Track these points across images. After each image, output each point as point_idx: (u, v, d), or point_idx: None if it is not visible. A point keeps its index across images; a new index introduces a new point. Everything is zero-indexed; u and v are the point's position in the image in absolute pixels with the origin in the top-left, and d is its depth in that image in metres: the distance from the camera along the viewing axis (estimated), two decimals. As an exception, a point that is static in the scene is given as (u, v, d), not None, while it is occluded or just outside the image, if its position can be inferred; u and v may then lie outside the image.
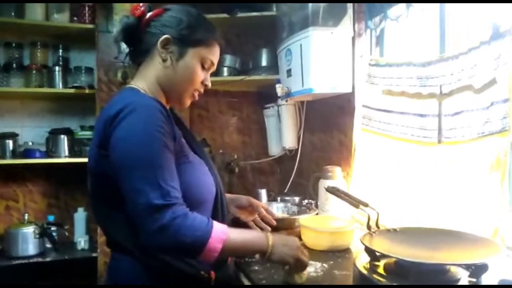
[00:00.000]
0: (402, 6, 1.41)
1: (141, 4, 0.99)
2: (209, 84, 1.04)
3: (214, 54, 1.02)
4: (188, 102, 1.04)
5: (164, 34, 0.96)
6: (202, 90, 1.04)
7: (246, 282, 1.13)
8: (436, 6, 1.32)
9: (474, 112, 1.18)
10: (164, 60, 0.97)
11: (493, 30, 1.10)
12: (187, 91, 1.01)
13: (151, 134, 0.85)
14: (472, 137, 1.19)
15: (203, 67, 1.00)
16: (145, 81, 0.99)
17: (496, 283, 0.85)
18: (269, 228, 1.24)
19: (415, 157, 1.39)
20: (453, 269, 0.90)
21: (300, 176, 2.19)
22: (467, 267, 0.90)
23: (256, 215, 1.27)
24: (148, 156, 0.84)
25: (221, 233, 0.85)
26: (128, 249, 0.92)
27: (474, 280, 0.85)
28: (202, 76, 1.01)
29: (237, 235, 0.90)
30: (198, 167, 1.00)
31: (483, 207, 1.14)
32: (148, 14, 0.99)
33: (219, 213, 1.03)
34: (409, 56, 1.42)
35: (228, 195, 1.20)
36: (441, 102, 1.29)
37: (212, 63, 1.02)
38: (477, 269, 0.86)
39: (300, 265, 0.97)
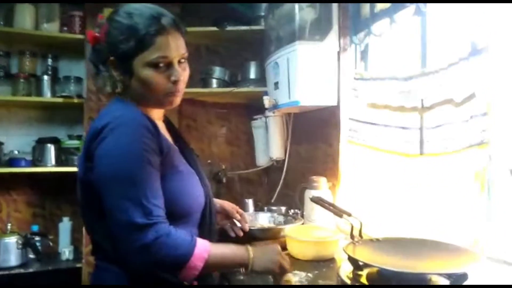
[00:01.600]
0: (385, 22, 1.46)
1: (93, 30, 0.98)
2: (178, 77, 0.95)
3: (161, 50, 0.91)
4: (170, 102, 0.98)
5: (110, 56, 0.94)
6: (177, 87, 0.95)
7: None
8: (417, 22, 1.37)
9: (455, 125, 1.22)
10: (122, 81, 0.95)
11: (472, 47, 1.14)
12: (158, 97, 0.96)
13: (134, 151, 0.85)
14: (452, 149, 1.23)
15: (159, 68, 0.92)
16: (129, 91, 0.97)
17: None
18: (241, 233, 1.28)
19: (399, 168, 1.43)
20: (434, 278, 0.93)
21: (287, 186, 2.20)
22: (448, 276, 0.92)
23: (232, 219, 1.30)
24: (131, 173, 0.84)
25: (203, 251, 0.86)
26: (113, 258, 0.91)
27: (453, 289, 0.88)
28: (163, 77, 0.93)
29: (219, 251, 0.91)
30: (188, 178, 1.00)
31: (463, 218, 1.18)
32: (98, 35, 0.96)
33: (206, 223, 1.03)
34: (392, 70, 1.47)
35: None
36: (423, 115, 1.33)
37: (166, 57, 0.92)
38: (457, 278, 0.88)
39: (283, 270, 0.99)
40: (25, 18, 2.15)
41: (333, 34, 1.69)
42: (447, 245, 1.01)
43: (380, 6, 1.51)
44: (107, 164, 0.85)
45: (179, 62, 0.96)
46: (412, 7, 1.34)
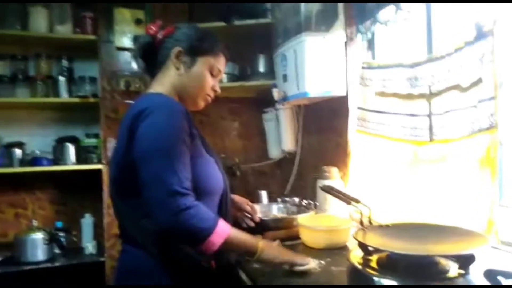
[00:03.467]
0: (391, 10, 1.46)
1: (153, 24, 1.15)
2: (219, 90, 1.18)
3: (220, 63, 1.15)
4: (201, 104, 1.17)
5: (176, 47, 1.10)
6: (212, 95, 1.17)
7: (245, 278, 1.17)
8: (422, 8, 1.37)
9: (463, 110, 1.22)
10: (178, 69, 1.10)
11: (477, 31, 1.14)
12: (199, 95, 1.13)
13: (172, 130, 0.97)
14: (462, 134, 1.23)
15: (211, 74, 1.14)
16: (162, 88, 1.10)
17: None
18: (252, 224, 1.39)
19: (408, 155, 1.44)
20: (443, 261, 0.94)
21: (300, 177, 2.23)
22: (456, 258, 0.94)
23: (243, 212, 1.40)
24: (169, 148, 0.95)
25: (224, 231, 0.96)
26: (139, 243, 1.03)
27: (462, 271, 0.89)
28: (211, 82, 1.14)
29: (237, 234, 1.02)
30: (209, 162, 1.10)
31: (475, 203, 1.18)
32: (161, 33, 1.13)
33: (223, 208, 1.12)
34: (399, 58, 1.47)
35: None
36: (431, 102, 1.33)
37: (220, 71, 1.16)
38: (465, 260, 0.90)
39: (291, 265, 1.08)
40: (39, 21, 2.22)
41: (339, 24, 1.70)
42: (456, 229, 1.03)
43: (385, -6, 1.51)
44: (149, 140, 0.96)
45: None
46: (417, -7, 1.34)
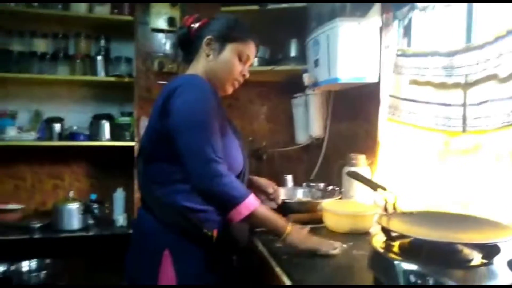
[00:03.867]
0: (430, -4, 1.42)
1: (189, 17, 1.25)
2: (247, 75, 1.24)
3: (249, 49, 1.21)
4: (229, 89, 1.24)
5: (208, 36, 1.19)
6: (241, 79, 1.24)
7: (267, 255, 1.21)
8: (464, -4, 1.32)
9: (499, 101, 1.19)
10: (208, 55, 1.19)
11: (520, 20, 1.10)
12: (228, 80, 1.21)
13: (205, 104, 1.07)
14: (496, 126, 1.20)
15: (240, 60, 1.20)
16: (195, 72, 1.20)
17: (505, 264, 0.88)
18: (274, 205, 1.42)
19: (440, 145, 1.41)
20: (466, 250, 0.94)
21: (326, 164, 2.24)
22: (480, 248, 0.93)
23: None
24: (203, 121, 1.05)
25: (251, 204, 1.05)
26: (150, 207, 1.16)
27: (486, 261, 0.89)
28: (240, 68, 1.21)
29: (264, 211, 1.09)
30: (233, 141, 1.19)
31: (505, 195, 1.16)
32: (197, 24, 1.22)
33: None
34: (436, 46, 1.43)
35: None
36: (466, 92, 1.30)
37: (248, 57, 1.22)
38: (489, 251, 0.89)
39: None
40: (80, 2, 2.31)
41: (375, 10, 1.67)
42: (482, 220, 1.01)
43: (425, -21, 1.46)
44: (184, 114, 1.06)
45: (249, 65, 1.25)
46: (458, -21, 1.29)
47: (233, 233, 1.16)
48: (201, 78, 1.15)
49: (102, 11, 2.34)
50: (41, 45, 2.36)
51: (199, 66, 1.21)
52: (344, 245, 1.20)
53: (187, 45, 1.25)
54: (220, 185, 1.01)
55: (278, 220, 1.11)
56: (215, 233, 1.13)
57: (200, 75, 1.18)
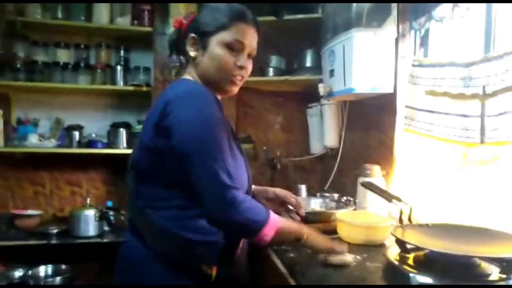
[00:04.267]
0: (447, 6, 1.42)
1: (177, 18, 1.11)
2: (245, 65, 1.04)
3: (239, 34, 1.01)
4: (231, 88, 1.06)
5: (191, 35, 1.05)
6: (241, 73, 1.04)
7: (280, 266, 1.20)
8: (482, 6, 1.31)
9: (519, 113, 1.17)
10: (195, 57, 1.05)
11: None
12: (222, 77, 1.03)
13: (211, 119, 0.93)
14: (516, 138, 1.18)
15: (232, 50, 1.01)
16: (191, 77, 1.07)
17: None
18: (298, 218, 1.27)
19: (457, 156, 1.39)
20: (484, 264, 0.91)
21: (341, 174, 2.22)
22: (498, 262, 0.91)
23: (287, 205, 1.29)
24: (214, 139, 0.92)
25: (275, 222, 0.97)
26: (140, 233, 1.02)
27: (504, 276, 0.86)
28: (231, 59, 1.01)
29: (286, 224, 1.02)
30: (236, 158, 1.05)
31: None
32: (184, 25, 1.08)
33: None
34: (453, 56, 1.42)
35: (255, 188, 1.27)
36: (484, 103, 1.28)
37: (240, 43, 1.02)
38: (508, 265, 0.87)
39: (333, 251, 1.09)
40: (102, 14, 2.38)
41: (392, 20, 1.66)
42: (501, 233, 0.99)
43: (442, -11, 1.46)
44: (188, 130, 0.92)
45: (249, 55, 1.06)
46: (476, -11, 1.28)
47: (234, 272, 1.09)
48: (199, 85, 1.02)
49: (123, 22, 2.41)
50: (64, 55, 2.44)
51: (192, 71, 1.06)
52: (358, 257, 1.19)
53: (179, 50, 1.10)
54: (240, 213, 0.91)
55: (295, 227, 1.06)
56: (214, 270, 1.01)
57: (194, 80, 1.05)
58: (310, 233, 1.06)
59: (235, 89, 1.07)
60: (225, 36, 1.01)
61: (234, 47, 1.01)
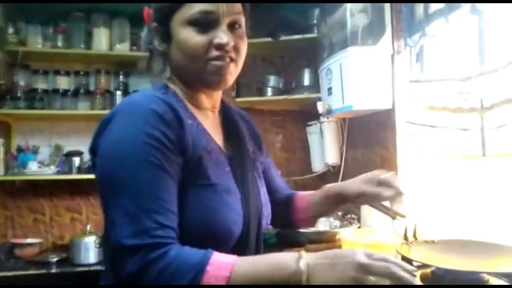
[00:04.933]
0: (440, 23, 1.44)
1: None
2: (226, 41, 0.74)
3: (202, 5, 0.74)
4: (214, 79, 0.77)
5: (153, 25, 0.82)
6: (221, 53, 0.75)
7: None
8: (474, 21, 1.33)
9: (518, 125, 1.17)
10: (162, 49, 0.81)
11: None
12: (198, 68, 0.76)
13: (133, 147, 0.67)
14: (517, 150, 1.17)
15: (200, 27, 0.74)
16: (163, 78, 0.85)
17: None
18: (401, 202, 0.96)
19: (460, 170, 1.38)
20: (492, 280, 0.89)
21: (343, 192, 2.20)
22: (507, 278, 0.88)
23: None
24: (128, 178, 0.65)
25: (218, 278, 0.62)
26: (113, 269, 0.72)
27: (515, 292, 0.84)
28: (204, 38, 0.74)
29: (249, 269, 0.64)
30: (220, 196, 0.74)
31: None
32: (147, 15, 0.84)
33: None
34: (449, 71, 1.44)
35: (341, 188, 1.03)
36: (483, 116, 1.28)
37: (209, 13, 0.74)
38: (518, 280, 0.85)
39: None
40: (101, 41, 2.42)
41: (387, 37, 1.69)
42: (508, 248, 0.97)
43: (434, 6, 1.49)
44: (102, 165, 0.70)
45: (232, 26, 0.77)
46: (467, 6, 1.31)
47: None
48: (148, 95, 0.74)
49: (122, 48, 2.44)
50: (63, 82, 2.46)
51: (168, 71, 0.84)
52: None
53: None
54: (153, 276, 0.62)
55: (276, 265, 0.64)
56: None
57: (171, 80, 0.83)
58: (315, 267, 0.63)
59: (224, 79, 0.77)
60: (184, 13, 0.75)
61: (202, 22, 0.74)
